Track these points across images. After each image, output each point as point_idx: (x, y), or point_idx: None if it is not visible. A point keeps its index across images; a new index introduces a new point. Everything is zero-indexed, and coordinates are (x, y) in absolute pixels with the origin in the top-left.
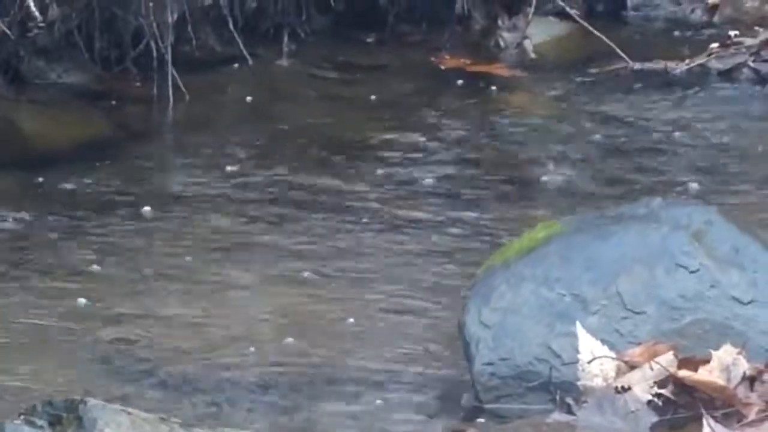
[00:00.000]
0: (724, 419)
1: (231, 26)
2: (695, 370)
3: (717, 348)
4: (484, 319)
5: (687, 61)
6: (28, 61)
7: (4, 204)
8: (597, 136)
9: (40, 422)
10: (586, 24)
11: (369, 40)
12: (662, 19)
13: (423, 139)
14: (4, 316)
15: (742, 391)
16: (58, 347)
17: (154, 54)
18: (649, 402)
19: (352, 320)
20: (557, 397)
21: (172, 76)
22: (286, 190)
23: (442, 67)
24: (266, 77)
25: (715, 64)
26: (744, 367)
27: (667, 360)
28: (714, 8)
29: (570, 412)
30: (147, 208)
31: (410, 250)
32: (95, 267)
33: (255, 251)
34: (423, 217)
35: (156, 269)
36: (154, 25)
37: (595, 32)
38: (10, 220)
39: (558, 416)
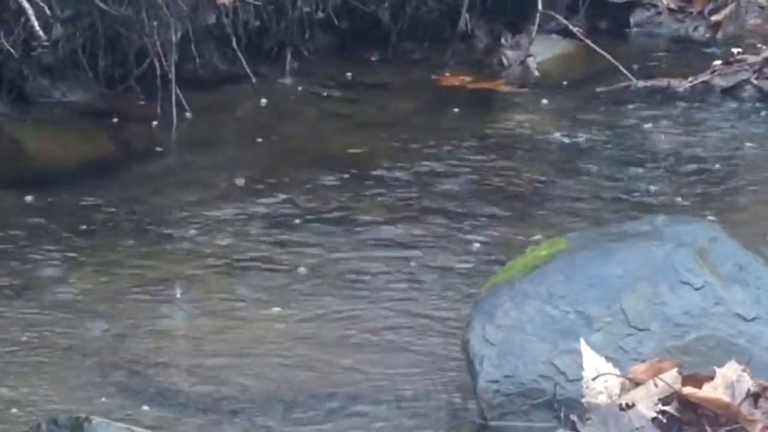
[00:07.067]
0: None
1: (234, 45)
2: (699, 386)
3: (721, 365)
4: (488, 337)
5: (690, 78)
6: (32, 80)
7: (9, 222)
8: (601, 154)
9: None
10: (589, 42)
11: (372, 58)
12: (665, 36)
13: (426, 157)
14: (7, 335)
15: (746, 408)
16: (63, 365)
17: (158, 72)
18: (654, 419)
19: (354, 337)
20: (562, 415)
21: (176, 94)
22: (289, 208)
23: (445, 85)
24: (270, 95)
25: (719, 82)
26: (748, 383)
27: (671, 377)
28: (717, 26)
29: (574, 429)
30: (151, 227)
31: (414, 268)
32: (100, 286)
33: (258, 269)
34: (427, 235)
35: (161, 288)
36: (158, 43)
37: (599, 50)
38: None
39: None
